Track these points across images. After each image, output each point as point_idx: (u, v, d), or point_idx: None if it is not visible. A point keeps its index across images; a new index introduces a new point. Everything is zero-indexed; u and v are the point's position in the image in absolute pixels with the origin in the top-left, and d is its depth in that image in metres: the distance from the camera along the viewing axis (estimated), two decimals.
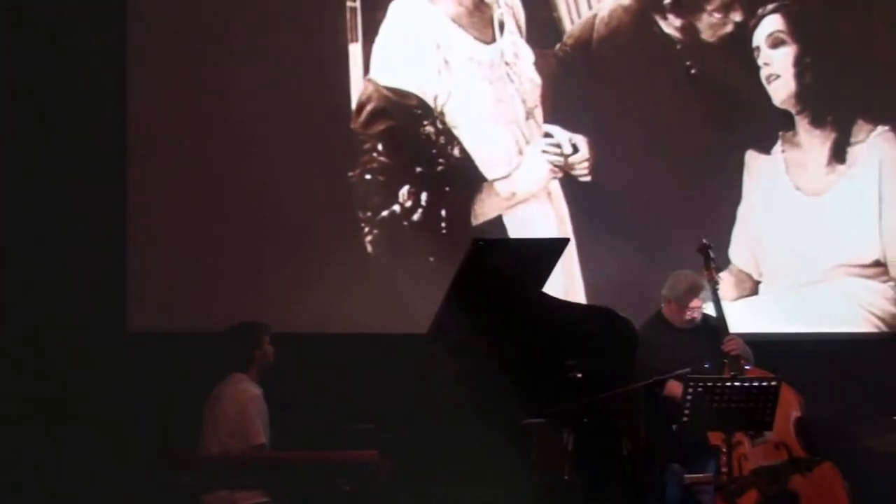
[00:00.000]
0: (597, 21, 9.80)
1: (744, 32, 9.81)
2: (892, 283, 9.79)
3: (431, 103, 9.63)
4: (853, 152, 9.79)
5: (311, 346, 9.26)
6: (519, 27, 9.76)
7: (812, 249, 9.75)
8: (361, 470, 8.20)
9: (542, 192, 9.72)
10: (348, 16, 9.57)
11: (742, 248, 9.75)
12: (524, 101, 9.74)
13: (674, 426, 7.62)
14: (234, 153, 9.60)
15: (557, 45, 9.77)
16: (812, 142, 9.82)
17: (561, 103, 9.75)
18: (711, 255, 8.43)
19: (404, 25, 9.66)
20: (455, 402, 8.36)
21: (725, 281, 9.43)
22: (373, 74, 9.61)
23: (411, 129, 9.65)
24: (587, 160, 9.70)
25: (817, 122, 9.81)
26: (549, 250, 7.54)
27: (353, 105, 9.60)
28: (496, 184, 9.67)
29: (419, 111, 9.63)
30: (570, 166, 9.70)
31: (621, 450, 7.85)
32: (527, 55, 9.74)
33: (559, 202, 9.75)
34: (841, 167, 9.78)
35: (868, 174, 9.76)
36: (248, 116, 9.58)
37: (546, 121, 9.73)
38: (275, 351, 8.49)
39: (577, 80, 9.74)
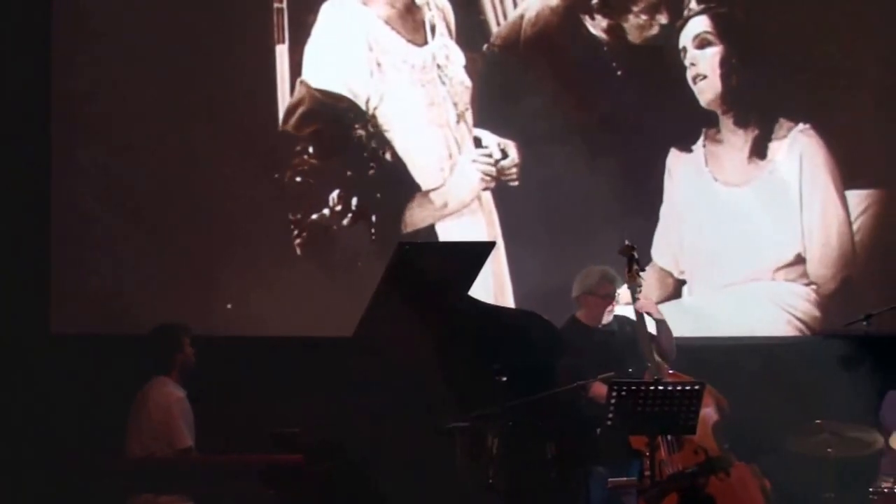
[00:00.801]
0: (524, 22, 9.83)
1: (670, 34, 9.84)
2: (813, 286, 9.90)
3: (363, 106, 9.62)
4: (774, 148, 9.87)
5: (238, 349, 9.23)
6: (449, 29, 9.78)
7: (734, 248, 9.81)
8: (287, 473, 8.18)
9: (473, 201, 9.74)
10: (275, 17, 9.54)
11: (664, 248, 9.81)
12: (455, 105, 9.75)
13: (598, 429, 7.63)
14: (160, 154, 9.57)
15: (485, 46, 9.79)
16: (734, 140, 9.87)
17: (490, 106, 9.76)
18: (635, 256, 8.43)
19: (337, 27, 9.65)
20: (380, 405, 8.41)
21: (648, 281, 9.52)
22: (305, 76, 9.60)
23: (343, 131, 9.64)
24: (516, 165, 9.73)
25: (741, 121, 9.85)
26: (475, 254, 7.57)
27: (282, 106, 9.58)
28: (429, 194, 9.68)
29: (351, 114, 9.63)
30: (500, 171, 9.73)
31: (545, 453, 7.91)
32: (458, 58, 9.75)
33: (489, 210, 9.78)
34: (762, 162, 9.86)
35: (789, 170, 9.86)
36: (174, 117, 9.55)
37: (476, 124, 9.75)
38: (196, 353, 8.44)
39: (505, 81, 9.76)
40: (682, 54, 9.81)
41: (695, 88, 9.83)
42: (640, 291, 8.33)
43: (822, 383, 9.30)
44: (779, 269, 9.86)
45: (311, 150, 9.60)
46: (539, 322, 7.79)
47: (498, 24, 9.79)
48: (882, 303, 9.26)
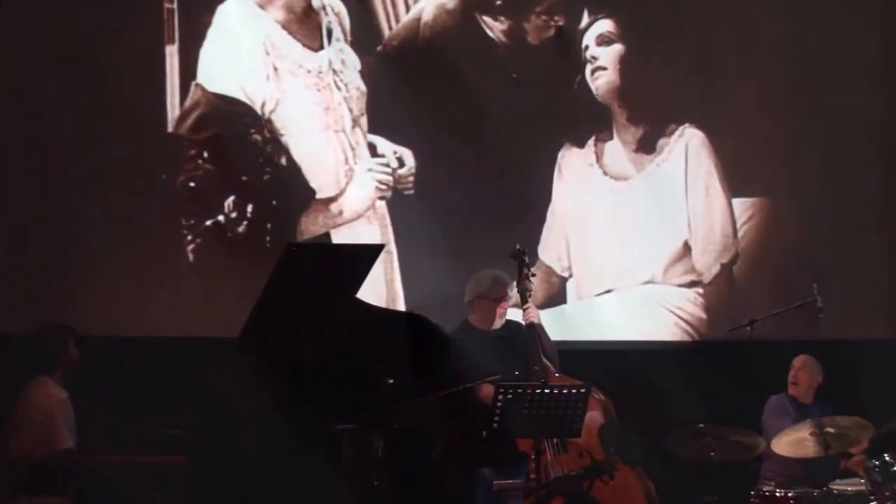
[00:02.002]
0: (421, 24, 9.84)
1: (567, 35, 9.98)
2: (698, 289, 10.04)
3: (259, 110, 9.57)
4: (662, 144, 10.08)
5: (121, 350, 9.12)
6: (345, 34, 9.77)
7: (621, 242, 10.02)
8: (169, 475, 8.10)
9: (368, 210, 9.73)
10: (165, 17, 9.45)
11: (551, 246, 9.94)
12: (351, 110, 9.75)
13: (484, 432, 7.64)
14: (47, 153, 9.42)
15: (380, 47, 9.80)
16: (626, 136, 10.08)
17: (384, 111, 9.77)
18: (526, 260, 8.46)
19: (233, 30, 9.59)
20: (267, 407, 8.34)
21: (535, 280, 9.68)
22: (200, 79, 9.52)
23: (238, 136, 9.57)
24: (413, 174, 9.73)
25: (634, 117, 10.09)
26: (364, 256, 7.52)
27: (173, 108, 9.47)
28: (324, 201, 9.65)
29: (247, 118, 9.58)
30: (397, 180, 9.73)
31: (431, 456, 7.90)
32: (353, 63, 9.75)
33: (382, 217, 9.78)
34: (651, 157, 10.06)
35: (676, 165, 10.06)
36: (62, 116, 9.41)
37: (371, 130, 9.74)
38: (80, 354, 8.33)
39: (399, 86, 9.78)
40: (584, 52, 9.98)
41: (593, 83, 10.00)
42: (531, 295, 8.37)
43: (705, 388, 9.45)
44: (668, 267, 10.02)
45: (205, 154, 9.51)
46: (426, 325, 7.76)
47: (390, 28, 9.79)
48: (765, 308, 9.42)
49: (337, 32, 9.74)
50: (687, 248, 10.11)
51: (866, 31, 10.47)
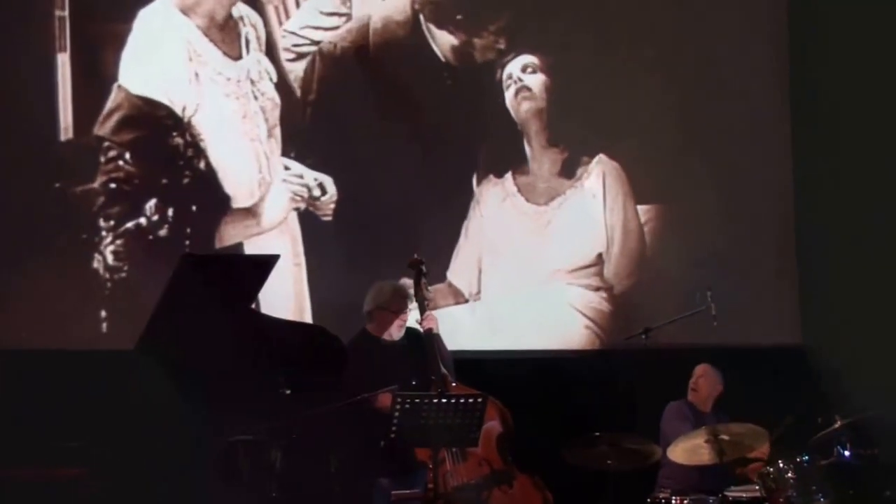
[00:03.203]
0: (370, 31, 10.01)
1: (502, 61, 10.18)
2: (604, 293, 10.15)
3: (181, 113, 9.55)
4: (581, 171, 10.26)
5: (18, 362, 9.02)
6: (260, 44, 9.79)
7: (537, 258, 10.16)
8: (69, 488, 8.03)
9: (283, 222, 9.75)
10: (57, 25, 9.38)
11: (462, 272, 10.02)
12: (266, 120, 9.76)
13: (382, 442, 7.65)
14: None
15: (317, 47, 9.89)
16: (542, 162, 10.20)
17: (304, 125, 9.86)
18: (423, 270, 8.48)
19: (157, 34, 9.57)
20: (164, 418, 8.31)
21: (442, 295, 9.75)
22: (123, 81, 9.46)
23: (160, 139, 9.54)
24: (334, 202, 9.78)
25: (552, 140, 10.24)
26: (259, 266, 7.53)
27: (66, 116, 9.38)
28: (241, 210, 9.64)
29: (168, 122, 9.54)
30: (317, 207, 9.76)
31: (329, 466, 7.91)
32: (270, 74, 9.77)
33: (294, 228, 9.78)
34: (568, 181, 10.23)
35: (593, 187, 10.27)
36: None
37: (293, 150, 9.80)
38: None
39: (332, 98, 9.92)
40: (506, 80, 10.19)
41: (514, 106, 10.17)
42: (429, 304, 8.39)
43: (603, 396, 9.51)
44: (578, 271, 10.13)
45: (127, 156, 9.46)
46: (324, 335, 7.78)
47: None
48: (662, 316, 9.53)
49: (255, 43, 9.76)
50: (600, 259, 10.26)
51: (756, 36, 10.72)
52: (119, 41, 9.50)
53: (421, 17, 10.09)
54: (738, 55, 10.67)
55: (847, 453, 9.07)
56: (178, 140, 9.56)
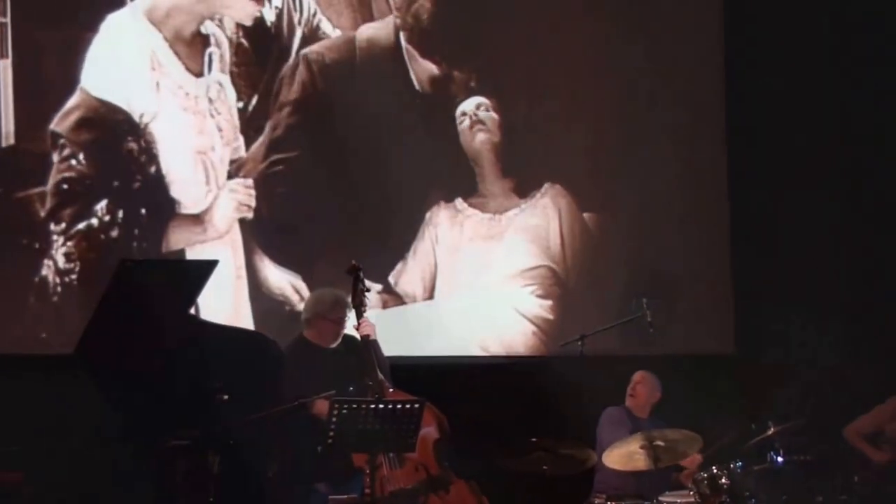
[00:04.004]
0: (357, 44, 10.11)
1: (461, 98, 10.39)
2: (549, 300, 10.25)
3: (138, 119, 9.57)
4: (533, 193, 10.48)
5: None
6: (223, 65, 9.84)
7: (486, 264, 10.35)
8: (5, 492, 8.00)
9: (228, 232, 9.79)
10: None
11: (412, 270, 10.16)
12: (222, 136, 9.81)
13: (319, 447, 7.67)
14: None
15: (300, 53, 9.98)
16: (494, 189, 10.41)
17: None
18: (361, 276, 8.49)
19: (123, 40, 9.61)
20: (102, 423, 8.29)
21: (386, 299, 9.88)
22: (85, 83, 9.47)
23: (115, 142, 9.56)
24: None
25: (505, 171, 10.46)
26: (198, 272, 7.53)
27: (7, 123, 9.34)
28: (189, 217, 9.67)
29: (125, 126, 9.56)
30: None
31: (266, 471, 7.92)
32: (230, 95, 9.84)
33: (236, 238, 9.83)
34: (521, 199, 10.46)
35: (544, 203, 10.44)
36: None
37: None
38: None
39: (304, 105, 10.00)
40: (461, 115, 10.41)
41: (468, 138, 10.40)
42: (366, 310, 8.41)
43: (538, 401, 9.56)
44: (522, 277, 10.23)
45: (81, 157, 9.44)
46: (262, 341, 7.80)
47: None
48: (599, 323, 9.61)
49: (217, 63, 9.81)
50: (547, 268, 10.36)
51: (691, 50, 10.89)
52: (64, 47, 9.48)
53: (402, 40, 10.25)
54: (674, 69, 10.80)
55: (780, 459, 9.21)
56: (133, 145, 9.58)
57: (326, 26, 10.11)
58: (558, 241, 10.51)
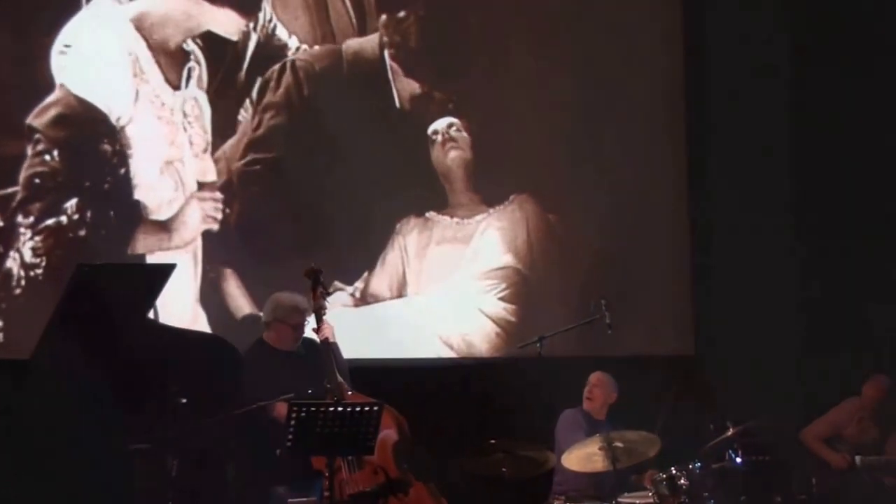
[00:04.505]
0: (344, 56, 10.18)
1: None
2: (510, 303, 10.28)
3: (114, 122, 9.62)
4: (501, 204, 10.59)
5: None
6: (200, 83, 9.88)
7: (453, 266, 10.39)
8: None
9: (194, 241, 9.83)
10: None
11: (380, 279, 10.22)
12: (192, 150, 9.85)
13: (278, 450, 7.66)
14: None
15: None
16: (463, 201, 10.49)
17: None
18: (320, 279, 8.48)
19: (107, 42, 9.68)
20: (59, 427, 8.24)
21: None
22: (65, 80, 9.52)
23: (90, 142, 9.60)
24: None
25: (475, 186, 10.52)
26: (155, 276, 7.53)
27: None
28: (154, 225, 9.69)
29: (102, 127, 9.60)
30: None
31: (226, 474, 7.90)
32: (205, 112, 9.88)
33: (196, 248, 9.87)
34: (490, 207, 10.54)
35: (513, 213, 10.57)
36: None
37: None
38: None
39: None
40: (433, 133, 10.47)
41: (440, 155, 10.45)
42: (325, 313, 8.40)
43: (497, 403, 9.57)
44: (487, 279, 10.29)
45: (55, 153, 9.43)
46: (220, 345, 7.79)
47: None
48: (558, 325, 9.63)
49: (195, 80, 9.85)
50: (516, 272, 10.45)
51: (649, 48, 10.95)
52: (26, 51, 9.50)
53: (387, 57, 10.32)
54: (633, 69, 10.84)
55: (738, 460, 9.22)
56: (108, 147, 9.63)
57: (282, 32, 10.15)
58: (523, 243, 10.55)
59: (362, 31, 10.29)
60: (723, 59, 10.92)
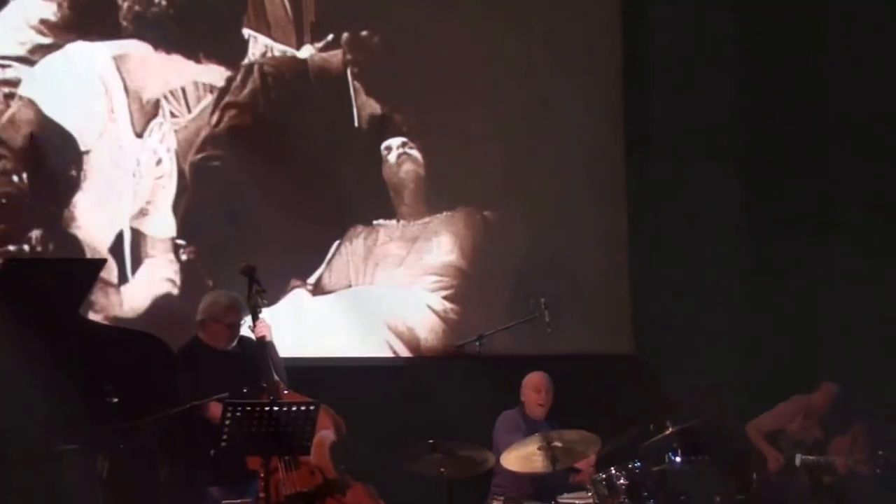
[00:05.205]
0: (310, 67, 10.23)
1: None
2: (454, 303, 10.24)
3: (82, 147, 9.50)
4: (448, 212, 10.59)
5: None
6: (163, 139, 9.77)
7: (393, 267, 10.34)
8: None
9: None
10: None
11: (325, 279, 10.13)
12: (134, 202, 9.69)
13: (212, 451, 7.54)
14: None
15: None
16: (411, 212, 10.47)
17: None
18: (256, 276, 8.36)
19: (90, 75, 9.60)
20: None
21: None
22: (39, 100, 9.39)
23: (58, 166, 9.43)
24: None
25: (424, 200, 10.49)
26: (86, 271, 7.42)
27: None
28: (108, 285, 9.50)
29: (70, 153, 9.44)
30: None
31: (158, 475, 7.79)
32: (168, 168, 9.78)
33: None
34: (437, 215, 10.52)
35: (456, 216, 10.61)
36: None
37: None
38: None
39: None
40: (385, 150, 10.47)
41: (393, 169, 10.45)
42: (261, 310, 8.29)
43: (436, 403, 9.52)
44: (432, 279, 10.30)
45: (24, 174, 9.30)
46: (153, 343, 7.69)
47: None
48: (499, 323, 9.58)
49: (157, 132, 9.76)
50: (458, 272, 10.46)
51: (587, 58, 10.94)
52: None
53: (349, 75, 10.33)
54: (572, 75, 10.84)
55: (678, 459, 9.20)
56: (73, 173, 9.48)
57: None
58: (466, 243, 10.52)
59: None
60: (661, 63, 10.92)
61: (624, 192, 10.93)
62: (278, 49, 10.13)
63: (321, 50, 10.25)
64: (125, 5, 9.65)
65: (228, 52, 9.99)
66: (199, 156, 9.88)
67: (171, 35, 9.78)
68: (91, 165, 9.52)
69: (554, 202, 10.70)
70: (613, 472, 8.76)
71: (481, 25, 10.68)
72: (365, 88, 10.35)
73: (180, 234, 9.73)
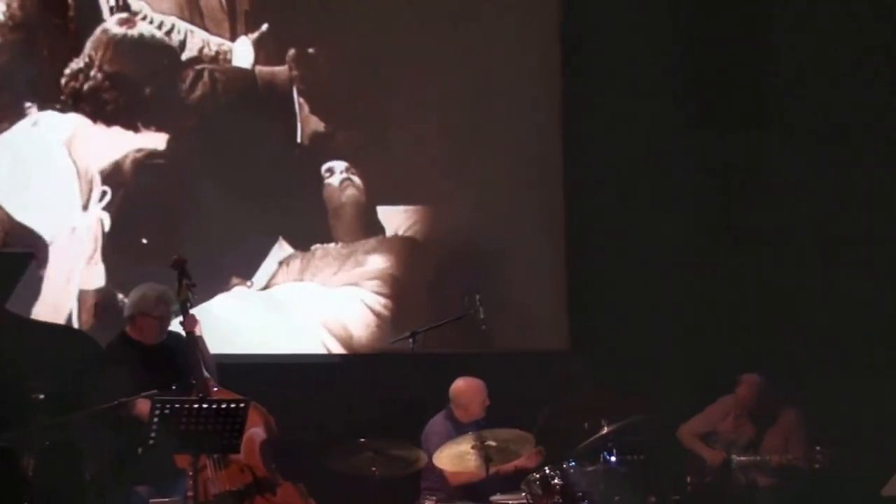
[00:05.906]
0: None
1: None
2: (388, 300, 10.16)
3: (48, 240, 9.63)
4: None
5: None
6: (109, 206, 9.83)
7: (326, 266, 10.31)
8: None
9: None
10: None
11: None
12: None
13: (139, 449, 7.44)
14: None
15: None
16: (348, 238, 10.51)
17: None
18: (186, 270, 8.23)
19: (58, 171, 9.71)
20: None
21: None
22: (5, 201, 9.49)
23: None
24: None
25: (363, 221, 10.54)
26: (12, 265, 7.27)
27: None
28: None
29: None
30: None
31: (84, 474, 7.68)
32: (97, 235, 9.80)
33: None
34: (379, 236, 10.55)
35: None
36: None
37: None
38: None
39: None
40: (326, 172, 10.50)
41: (336, 191, 10.50)
42: (191, 304, 8.18)
43: (368, 400, 9.47)
44: (362, 271, 10.35)
45: None
46: (80, 338, 7.59)
47: None
48: (431, 320, 9.52)
49: (97, 203, 9.82)
50: (391, 269, 10.47)
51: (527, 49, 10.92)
52: None
53: (294, 91, 10.34)
54: (511, 61, 10.79)
55: (613, 459, 9.19)
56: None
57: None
58: (401, 239, 10.52)
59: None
60: (599, 63, 10.91)
61: (561, 189, 10.91)
62: (214, 42, 10.03)
63: (256, 43, 10.19)
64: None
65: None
66: (142, 153, 9.85)
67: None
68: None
69: (487, 197, 10.68)
70: (548, 471, 8.71)
71: (426, 38, 10.72)
72: (311, 106, 10.37)
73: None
